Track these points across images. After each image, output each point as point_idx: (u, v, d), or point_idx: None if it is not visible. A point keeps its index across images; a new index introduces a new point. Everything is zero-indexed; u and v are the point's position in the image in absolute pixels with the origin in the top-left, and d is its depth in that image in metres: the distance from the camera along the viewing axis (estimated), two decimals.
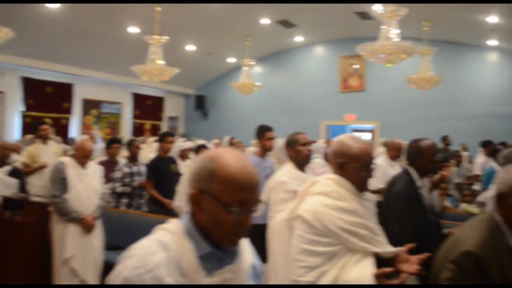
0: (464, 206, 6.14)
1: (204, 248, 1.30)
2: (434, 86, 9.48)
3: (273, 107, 14.46)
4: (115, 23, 10.06)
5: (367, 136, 15.91)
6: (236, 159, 1.32)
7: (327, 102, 13.76)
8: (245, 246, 1.49)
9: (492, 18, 9.04)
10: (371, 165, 2.12)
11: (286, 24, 11.33)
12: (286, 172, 3.33)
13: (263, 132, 4.60)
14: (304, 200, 2.16)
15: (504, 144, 9.05)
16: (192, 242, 1.29)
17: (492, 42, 11.40)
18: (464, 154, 10.03)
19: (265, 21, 10.80)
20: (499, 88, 11.96)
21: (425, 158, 2.99)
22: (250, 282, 1.45)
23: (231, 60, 14.13)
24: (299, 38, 13.19)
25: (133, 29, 10.45)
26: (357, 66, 13.32)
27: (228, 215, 1.28)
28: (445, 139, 10.64)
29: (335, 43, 13.56)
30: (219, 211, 1.28)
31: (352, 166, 2.10)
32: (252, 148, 7.77)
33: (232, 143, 7.54)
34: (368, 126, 14.10)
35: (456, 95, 12.26)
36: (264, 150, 4.63)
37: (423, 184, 3.01)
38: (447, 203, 6.20)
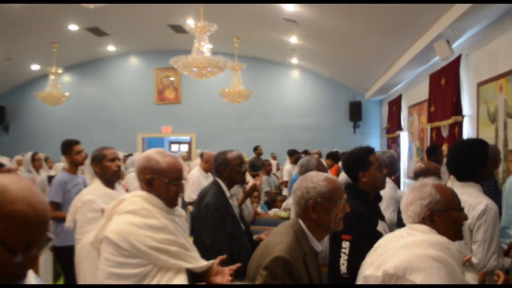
0: (274, 211, 6.56)
1: None
2: (246, 100, 10.06)
3: (85, 119, 13.61)
4: None
5: (184, 148, 16.12)
6: (24, 193, 1.07)
7: (143, 114, 13.52)
8: (31, 278, 1.24)
9: (293, 39, 9.98)
10: (180, 179, 2.09)
11: (97, 32, 10.79)
12: (93, 190, 3.11)
13: (70, 147, 4.26)
14: (111, 220, 2.02)
15: (306, 152, 10.01)
16: None
17: (294, 61, 12.62)
18: (273, 162, 10.82)
19: (73, 27, 10.11)
20: (301, 102, 13.36)
21: (232, 168, 3.10)
22: None
23: (35, 67, 12.88)
24: (111, 48, 12.71)
25: None
26: (172, 79, 13.40)
27: (11, 258, 1.05)
28: (257, 149, 11.33)
29: (149, 54, 13.43)
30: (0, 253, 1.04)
31: (161, 182, 2.04)
32: (62, 164, 7.17)
33: (35, 159, 6.82)
34: (185, 138, 14.26)
35: (265, 108, 13.28)
36: (75, 165, 4.30)
37: (231, 194, 3.10)
38: (259, 209, 6.56)
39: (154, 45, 12.70)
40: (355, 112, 12.96)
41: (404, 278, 1.70)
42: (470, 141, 3.05)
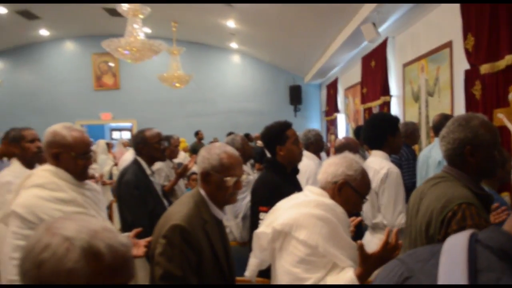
0: None
1: None
2: (186, 85, 10.02)
3: (19, 107, 13.02)
4: None
5: (126, 135, 15.84)
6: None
7: (81, 101, 13.11)
8: None
9: (231, 23, 10.00)
10: (88, 153, 2.10)
11: (27, 15, 10.31)
12: (11, 172, 3.05)
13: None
14: (19, 194, 2.02)
15: (247, 136, 10.13)
16: None
17: (234, 45, 12.65)
18: None
19: (1, 10, 9.63)
20: (242, 87, 13.43)
21: (151, 146, 3.15)
22: None
23: None
24: (44, 32, 12.19)
25: None
26: (111, 64, 13.07)
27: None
28: (197, 133, 11.34)
29: (86, 39, 13.00)
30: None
31: (68, 155, 2.05)
32: None
33: None
34: (126, 124, 13.99)
35: (206, 93, 13.25)
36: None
37: (152, 171, 3.15)
38: None
39: (90, 29, 12.31)
40: (295, 95, 13.20)
41: (290, 234, 1.81)
42: (382, 113, 3.26)
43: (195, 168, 6.57)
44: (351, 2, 5.75)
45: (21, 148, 3.08)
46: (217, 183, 2.03)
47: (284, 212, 1.91)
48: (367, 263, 1.77)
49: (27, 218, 1.89)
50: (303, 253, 1.77)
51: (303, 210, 1.86)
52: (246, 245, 3.44)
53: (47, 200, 1.95)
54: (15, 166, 3.07)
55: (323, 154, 6.09)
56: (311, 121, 13.32)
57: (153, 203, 2.95)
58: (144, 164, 3.09)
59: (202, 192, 2.07)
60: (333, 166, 2.03)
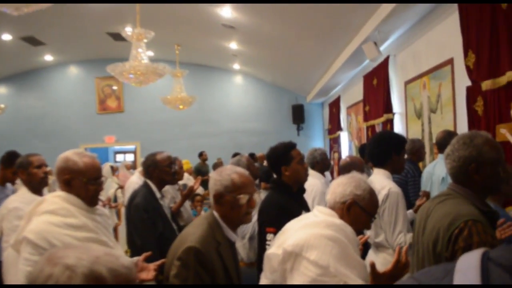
0: None
1: None
2: (189, 106, 10.09)
3: (23, 131, 13.10)
4: None
5: (130, 157, 15.88)
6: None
7: (84, 124, 13.19)
8: None
9: (233, 45, 10.12)
10: (99, 178, 2.13)
11: (32, 41, 10.46)
12: (19, 197, 3.08)
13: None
14: (31, 220, 2.04)
15: (252, 155, 10.17)
16: None
17: (236, 66, 12.78)
18: None
19: (6, 37, 9.76)
20: (245, 107, 13.52)
21: (161, 169, 3.17)
22: None
23: None
24: (49, 57, 12.35)
25: None
26: (115, 87, 13.19)
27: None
28: (201, 154, 11.38)
29: (89, 63, 13.14)
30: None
31: (79, 181, 2.08)
32: None
33: None
34: (130, 147, 14.04)
35: (210, 113, 13.33)
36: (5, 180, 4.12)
37: (162, 194, 3.17)
38: (203, 213, 6.62)
39: (94, 53, 12.46)
40: (298, 115, 13.26)
41: (301, 255, 1.83)
42: (390, 132, 3.28)
43: (199, 190, 6.61)
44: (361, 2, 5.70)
45: (28, 174, 3.11)
46: (231, 203, 2.07)
47: (294, 233, 1.93)
48: (379, 281, 1.79)
49: (39, 244, 1.91)
50: (314, 274, 1.78)
51: (313, 231, 1.88)
52: (253, 266, 3.43)
53: (58, 226, 1.97)
54: (23, 192, 3.10)
55: (327, 173, 6.11)
56: (314, 140, 13.36)
57: (162, 227, 2.96)
58: (154, 187, 3.11)
59: (216, 214, 2.10)
60: (341, 186, 2.06)
